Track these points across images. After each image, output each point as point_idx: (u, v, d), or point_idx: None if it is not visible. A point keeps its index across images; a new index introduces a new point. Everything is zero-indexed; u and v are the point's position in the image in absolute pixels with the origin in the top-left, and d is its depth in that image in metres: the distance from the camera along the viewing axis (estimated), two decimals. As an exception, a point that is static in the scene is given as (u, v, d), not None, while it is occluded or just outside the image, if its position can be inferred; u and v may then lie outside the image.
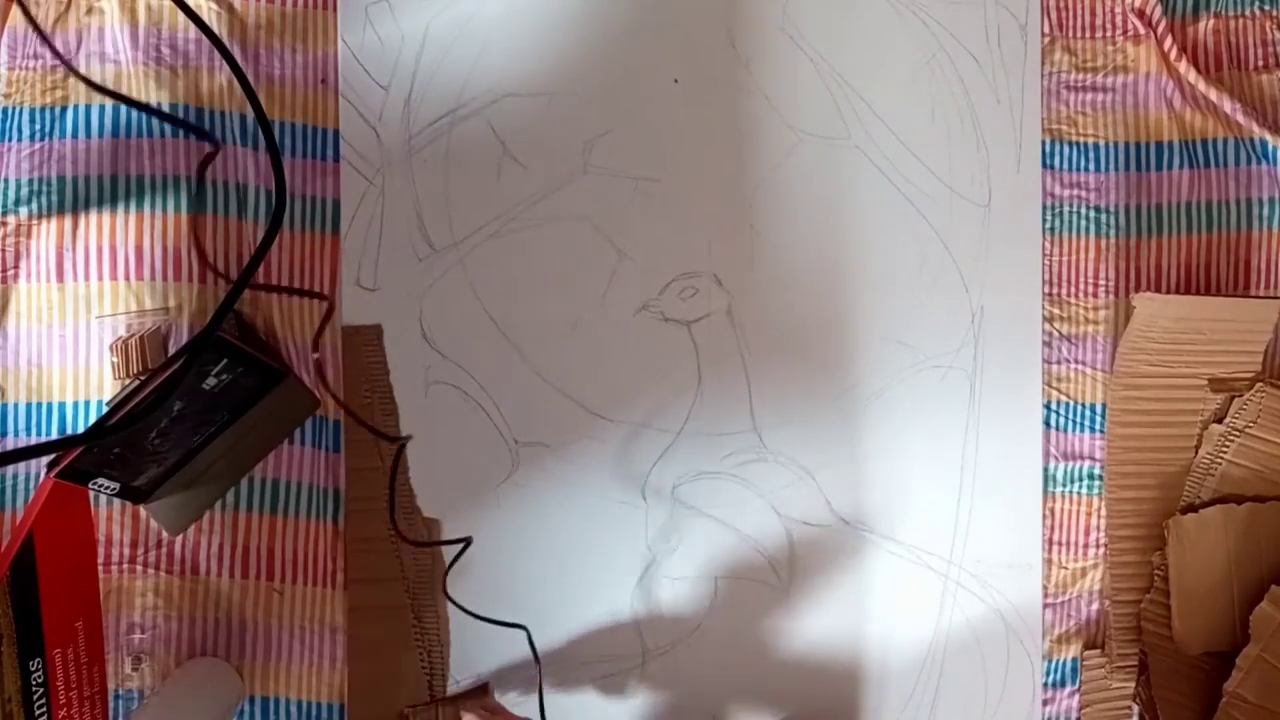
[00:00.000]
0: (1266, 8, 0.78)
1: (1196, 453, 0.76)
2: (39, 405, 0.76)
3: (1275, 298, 0.77)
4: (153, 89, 0.75)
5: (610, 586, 0.77)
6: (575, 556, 0.77)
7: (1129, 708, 0.77)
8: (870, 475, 0.78)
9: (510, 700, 0.77)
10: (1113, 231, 0.78)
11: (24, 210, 0.75)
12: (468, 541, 0.75)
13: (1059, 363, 0.78)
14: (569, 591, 0.77)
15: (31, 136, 0.75)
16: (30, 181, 0.75)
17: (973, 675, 0.78)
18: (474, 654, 0.77)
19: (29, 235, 0.75)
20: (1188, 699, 0.75)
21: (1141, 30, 0.78)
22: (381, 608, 0.76)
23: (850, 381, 0.78)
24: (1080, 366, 0.78)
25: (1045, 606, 0.78)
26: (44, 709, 0.61)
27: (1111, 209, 0.78)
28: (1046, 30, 0.78)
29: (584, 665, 0.77)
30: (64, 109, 0.76)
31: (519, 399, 0.77)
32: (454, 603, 0.75)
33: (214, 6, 0.76)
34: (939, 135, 0.78)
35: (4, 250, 0.75)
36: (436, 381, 0.77)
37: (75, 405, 0.76)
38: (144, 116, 0.75)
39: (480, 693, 0.76)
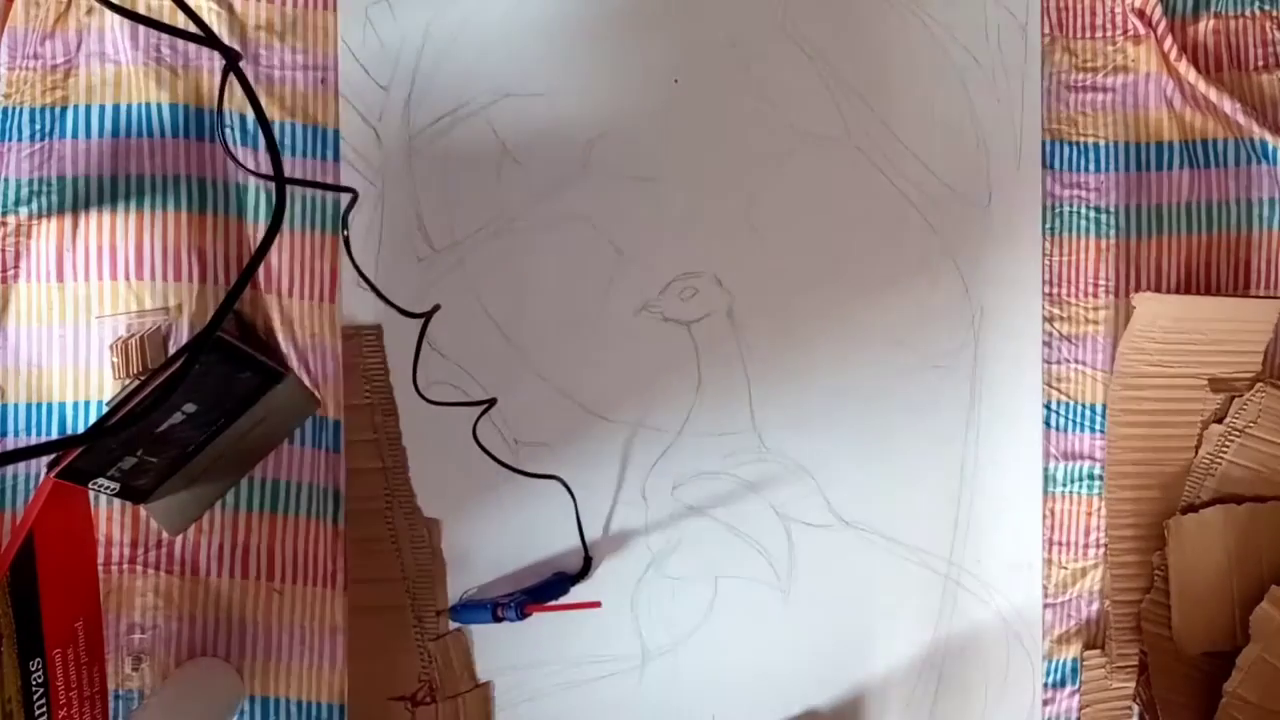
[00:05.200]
0: (1266, 8, 0.78)
1: (1196, 453, 0.76)
2: (39, 405, 0.76)
3: (1275, 298, 0.77)
4: (153, 89, 0.75)
5: (610, 586, 0.77)
6: (575, 557, 0.77)
7: (1129, 708, 0.77)
8: (870, 475, 0.78)
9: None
10: (1113, 231, 0.78)
11: (24, 210, 0.75)
12: (491, 402, 0.75)
13: (1059, 363, 0.78)
14: (569, 592, 0.77)
15: (31, 136, 0.75)
16: (30, 181, 0.75)
17: (973, 675, 0.78)
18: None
19: (29, 235, 0.75)
20: (1188, 699, 0.75)
21: (1141, 30, 0.78)
22: (381, 608, 0.76)
23: (850, 381, 0.78)
24: (1080, 366, 0.78)
25: (1045, 606, 0.78)
26: (44, 709, 0.61)
27: (1111, 209, 0.78)
28: (1046, 30, 0.78)
29: (583, 665, 0.77)
30: (64, 109, 0.76)
31: (519, 399, 0.77)
32: (487, 452, 0.75)
33: (214, 6, 0.76)
34: (939, 135, 0.78)
35: (4, 250, 0.75)
36: (436, 381, 0.77)
37: (75, 405, 0.76)
38: (145, 117, 0.75)
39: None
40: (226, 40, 0.75)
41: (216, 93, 0.76)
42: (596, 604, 0.67)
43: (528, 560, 0.77)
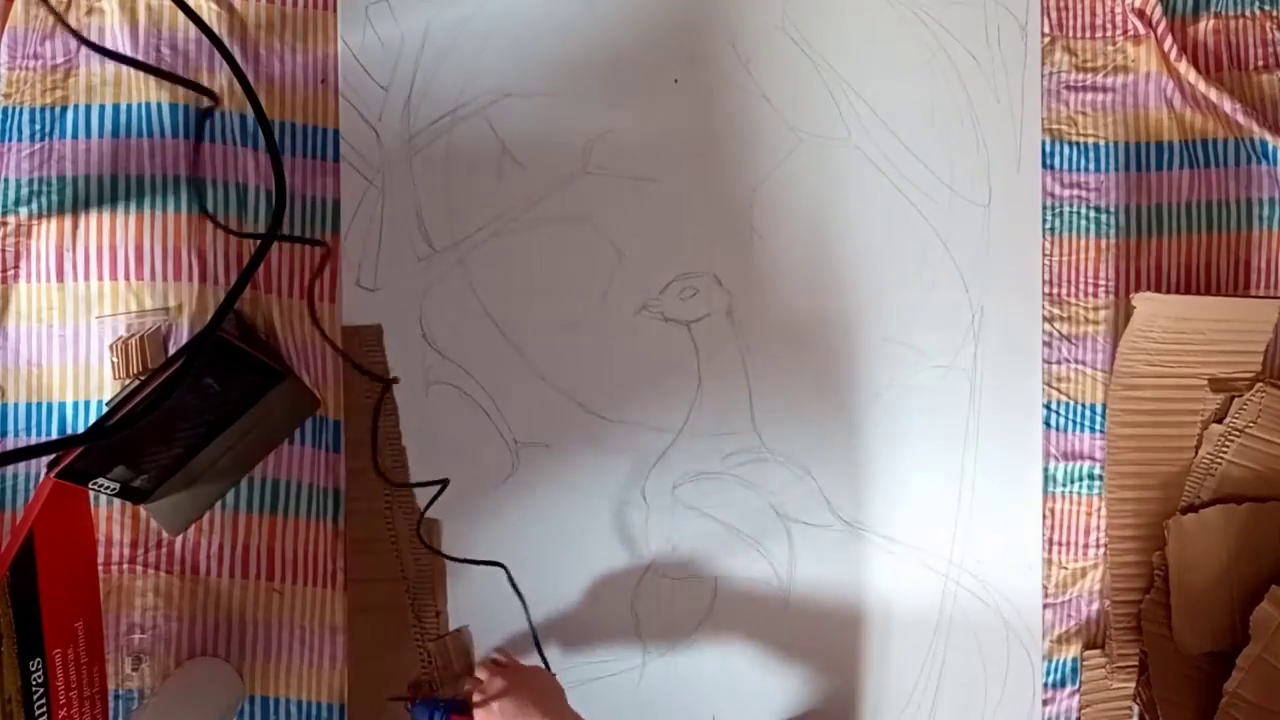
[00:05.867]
0: (1266, 8, 0.78)
1: (1196, 453, 0.76)
2: (39, 405, 0.76)
3: (1275, 298, 0.77)
4: (153, 89, 0.75)
5: (610, 586, 0.77)
6: (576, 557, 0.77)
7: (1129, 708, 0.77)
8: (870, 475, 0.78)
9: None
10: (1113, 231, 0.78)
11: (24, 210, 0.75)
12: (444, 484, 0.76)
13: (1059, 363, 0.78)
14: (569, 592, 0.77)
15: (31, 136, 0.75)
16: (30, 181, 0.75)
17: (973, 675, 0.78)
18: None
19: (29, 235, 0.75)
20: (1188, 699, 0.75)
21: (1141, 30, 0.78)
22: (381, 608, 0.76)
23: (850, 381, 0.78)
24: (1080, 366, 0.78)
25: (1045, 606, 0.78)
26: (44, 709, 0.61)
27: (1111, 209, 0.78)
28: (1046, 30, 0.78)
29: (584, 665, 0.77)
30: (64, 109, 0.76)
31: (519, 399, 0.77)
32: (429, 547, 0.76)
33: (214, 6, 0.76)
34: (939, 135, 0.78)
35: (4, 250, 0.75)
36: (436, 381, 0.77)
37: (75, 405, 0.76)
38: (145, 117, 0.75)
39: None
40: (226, 41, 0.75)
41: (216, 94, 0.76)
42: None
43: (529, 564, 0.77)
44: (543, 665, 0.76)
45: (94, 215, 0.75)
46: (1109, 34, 0.78)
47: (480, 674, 0.70)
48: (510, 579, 0.76)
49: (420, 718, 0.72)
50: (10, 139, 0.75)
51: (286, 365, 0.75)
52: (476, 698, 0.68)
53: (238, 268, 0.76)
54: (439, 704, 0.71)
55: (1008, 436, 0.78)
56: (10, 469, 0.75)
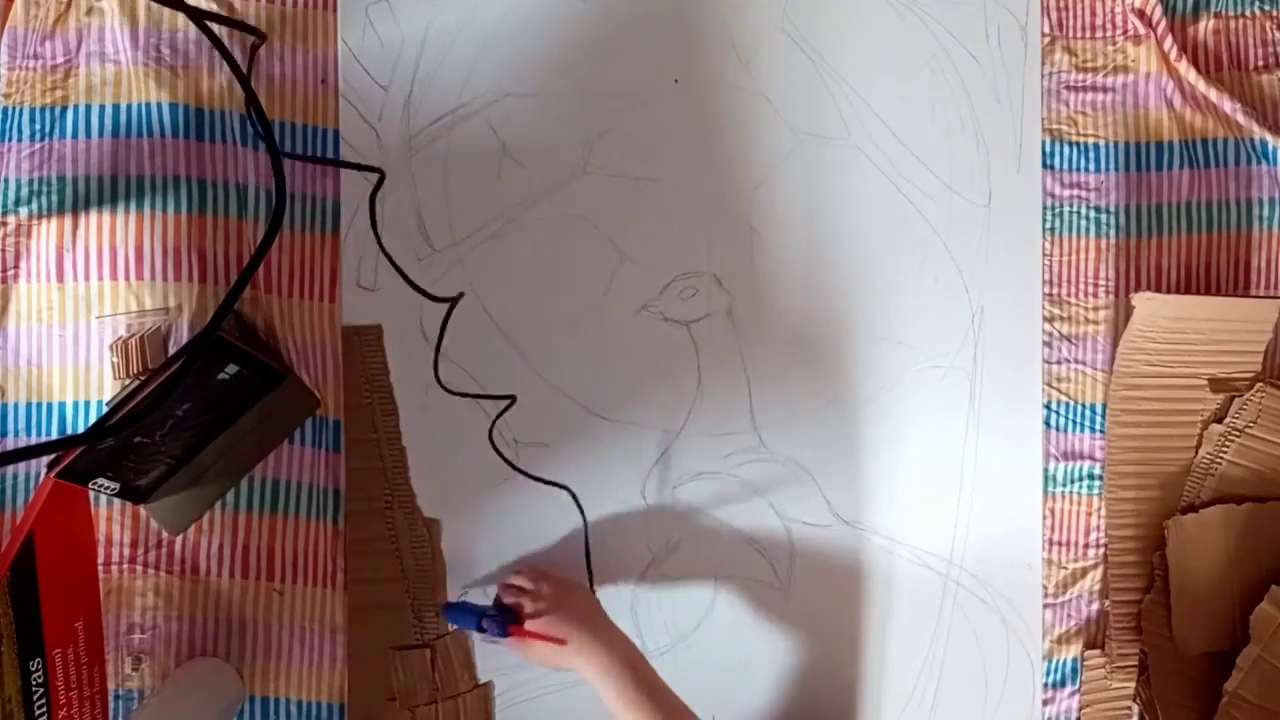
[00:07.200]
0: (1266, 8, 0.78)
1: (1196, 453, 0.76)
2: (39, 405, 0.76)
3: (1275, 298, 0.77)
4: (153, 89, 0.75)
5: (610, 586, 0.77)
6: (575, 557, 0.77)
7: (1129, 708, 0.77)
8: (870, 475, 0.78)
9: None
10: (1113, 231, 0.78)
11: (24, 210, 0.75)
12: (511, 400, 0.76)
13: (1059, 363, 0.78)
14: (569, 591, 0.77)
15: (32, 136, 0.75)
16: (30, 181, 0.75)
17: (973, 675, 0.78)
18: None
19: (29, 235, 0.75)
20: (1188, 699, 0.75)
21: (1141, 30, 0.78)
22: (381, 608, 0.76)
23: (850, 381, 0.78)
24: (1080, 366, 0.78)
25: (1045, 606, 0.78)
26: (44, 709, 0.61)
27: (1111, 209, 0.78)
28: (1046, 30, 0.78)
29: (584, 665, 0.77)
30: (64, 109, 0.76)
31: (519, 399, 0.77)
32: (502, 455, 0.76)
33: (214, 7, 0.76)
34: (939, 135, 0.78)
35: (4, 250, 0.75)
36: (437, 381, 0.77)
37: (75, 405, 0.76)
38: (144, 117, 0.75)
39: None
40: (226, 42, 0.75)
41: (216, 94, 0.76)
42: (563, 641, 0.66)
43: (529, 560, 0.77)
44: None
45: (94, 215, 0.75)
46: (1109, 34, 0.78)
47: (520, 581, 0.71)
48: (577, 502, 0.77)
49: (462, 624, 0.70)
50: (10, 139, 0.75)
51: (286, 365, 0.76)
52: (529, 607, 0.68)
53: (238, 268, 0.76)
54: (486, 612, 0.69)
55: (1008, 437, 0.78)
56: (10, 469, 0.75)
